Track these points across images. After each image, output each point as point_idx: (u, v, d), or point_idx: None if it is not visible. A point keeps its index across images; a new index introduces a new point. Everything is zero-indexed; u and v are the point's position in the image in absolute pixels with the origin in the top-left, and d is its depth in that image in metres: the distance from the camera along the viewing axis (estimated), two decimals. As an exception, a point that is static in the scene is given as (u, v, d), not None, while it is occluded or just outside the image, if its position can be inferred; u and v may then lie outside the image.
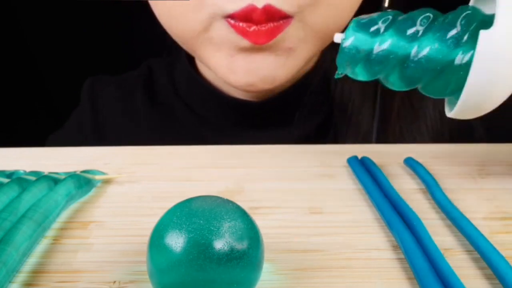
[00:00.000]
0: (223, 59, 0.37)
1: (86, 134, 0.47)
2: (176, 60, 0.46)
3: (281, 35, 0.34)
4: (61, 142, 0.48)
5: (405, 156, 0.32)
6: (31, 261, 0.22)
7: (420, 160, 0.31)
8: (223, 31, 0.35)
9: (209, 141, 0.43)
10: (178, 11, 0.36)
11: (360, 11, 0.39)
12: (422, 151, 0.33)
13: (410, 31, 0.25)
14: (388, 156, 0.33)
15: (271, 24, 0.34)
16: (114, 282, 0.20)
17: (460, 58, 0.24)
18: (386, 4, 0.41)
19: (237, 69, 0.36)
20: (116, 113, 0.47)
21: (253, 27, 0.33)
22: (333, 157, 0.33)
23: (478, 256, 0.22)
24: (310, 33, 0.36)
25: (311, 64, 0.42)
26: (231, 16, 0.34)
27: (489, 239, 0.22)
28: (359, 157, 0.32)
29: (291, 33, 0.35)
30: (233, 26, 0.34)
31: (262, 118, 0.42)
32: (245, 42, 0.34)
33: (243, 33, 0.34)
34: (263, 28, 0.34)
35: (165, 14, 0.38)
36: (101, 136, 0.47)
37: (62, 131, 0.49)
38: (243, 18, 0.33)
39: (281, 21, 0.34)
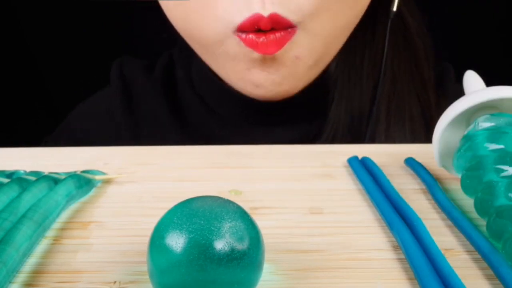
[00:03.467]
0: (239, 73, 0.39)
1: (115, 107, 0.48)
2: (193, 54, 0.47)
3: (288, 45, 0.36)
4: (87, 114, 0.48)
5: (405, 156, 0.32)
6: (31, 261, 0.22)
7: (420, 160, 0.31)
8: (236, 46, 0.36)
9: (219, 135, 0.44)
10: (194, 20, 0.37)
11: (365, 14, 0.39)
12: (422, 151, 0.33)
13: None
14: (389, 156, 0.33)
15: (277, 34, 0.35)
16: (115, 282, 0.20)
17: None
18: (395, 8, 0.41)
19: (252, 81, 0.38)
20: (142, 96, 0.48)
21: (262, 38, 0.35)
22: (333, 157, 0.33)
23: (479, 256, 0.22)
24: (314, 42, 0.37)
25: (322, 66, 0.42)
26: (240, 29, 0.35)
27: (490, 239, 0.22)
28: (360, 157, 0.32)
29: (297, 43, 0.36)
30: (243, 40, 0.36)
31: (272, 115, 0.43)
32: (256, 55, 0.36)
33: (253, 45, 0.35)
34: (271, 38, 0.35)
35: (181, 20, 0.39)
36: (131, 113, 0.47)
37: (88, 105, 0.50)
38: (251, 28, 0.35)
39: (287, 30, 0.35)
